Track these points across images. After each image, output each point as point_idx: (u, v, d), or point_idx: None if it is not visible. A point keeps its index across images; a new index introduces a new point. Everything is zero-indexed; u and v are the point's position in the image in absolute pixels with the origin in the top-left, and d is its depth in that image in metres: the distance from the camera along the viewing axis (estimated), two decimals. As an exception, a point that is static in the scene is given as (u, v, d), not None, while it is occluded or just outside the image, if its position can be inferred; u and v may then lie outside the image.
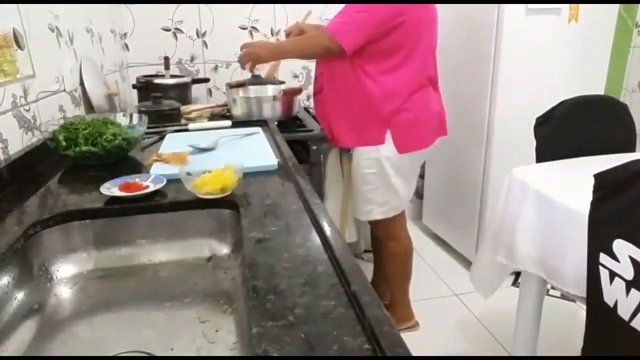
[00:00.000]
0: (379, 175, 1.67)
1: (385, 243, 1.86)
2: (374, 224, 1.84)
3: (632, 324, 0.88)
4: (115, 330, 0.76)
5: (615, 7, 2.15)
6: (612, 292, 0.92)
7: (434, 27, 1.64)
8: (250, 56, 1.62)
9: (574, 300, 1.99)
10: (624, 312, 0.89)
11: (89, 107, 1.59)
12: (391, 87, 1.58)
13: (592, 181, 0.94)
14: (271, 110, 1.81)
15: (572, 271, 1.16)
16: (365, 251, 2.42)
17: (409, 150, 1.64)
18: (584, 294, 1.02)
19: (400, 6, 1.49)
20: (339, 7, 2.41)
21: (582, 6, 2.03)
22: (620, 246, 0.88)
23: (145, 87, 1.98)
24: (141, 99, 2.00)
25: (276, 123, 1.64)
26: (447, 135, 1.78)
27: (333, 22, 1.56)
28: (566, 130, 1.59)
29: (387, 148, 1.63)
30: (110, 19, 2.09)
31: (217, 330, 0.73)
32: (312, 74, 2.53)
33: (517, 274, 2.14)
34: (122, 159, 1.20)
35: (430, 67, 1.66)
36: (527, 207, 1.32)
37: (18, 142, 1.11)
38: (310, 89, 2.56)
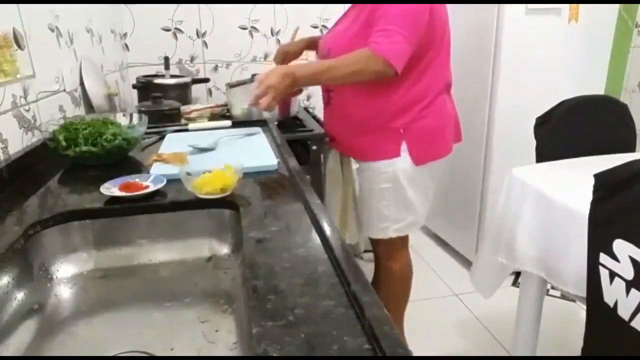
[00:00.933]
0: (395, 190, 1.50)
1: (385, 263, 1.68)
2: (376, 243, 1.65)
3: (632, 324, 0.88)
4: (115, 330, 0.76)
5: (615, 7, 2.15)
6: (612, 292, 0.92)
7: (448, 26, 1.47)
8: (269, 90, 1.21)
9: (574, 300, 1.99)
10: (624, 312, 0.89)
11: (89, 107, 1.59)
12: (407, 98, 1.43)
13: (592, 181, 0.94)
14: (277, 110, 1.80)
15: (572, 271, 1.16)
16: (365, 251, 2.42)
17: (426, 161, 1.48)
18: (584, 294, 1.02)
19: (427, 6, 1.32)
20: (339, 7, 2.43)
21: (582, 6, 2.03)
22: (620, 246, 0.88)
23: (145, 87, 1.98)
24: (141, 99, 2.00)
25: (276, 123, 1.64)
26: (462, 141, 1.66)
27: (383, 41, 1.27)
28: (566, 130, 1.59)
29: (403, 161, 1.46)
30: (110, 19, 2.09)
31: (217, 330, 0.73)
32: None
33: (517, 274, 2.14)
34: (122, 159, 1.20)
35: (449, 70, 1.51)
36: (527, 207, 1.32)
37: (18, 142, 1.11)
38: (310, 89, 2.57)
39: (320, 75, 1.31)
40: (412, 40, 1.29)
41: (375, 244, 1.67)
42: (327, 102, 1.61)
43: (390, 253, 1.65)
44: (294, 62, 1.67)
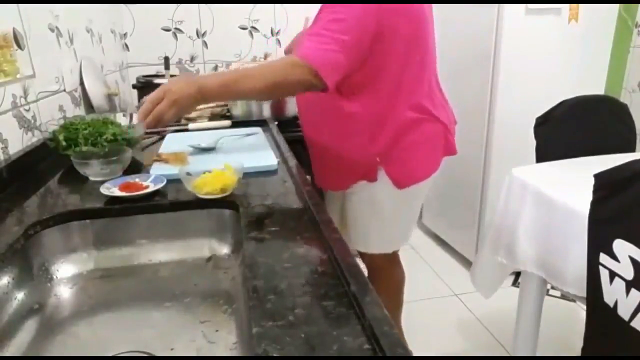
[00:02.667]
0: (375, 213, 1.36)
1: (387, 272, 1.56)
2: (362, 254, 1.49)
3: (632, 324, 0.88)
4: (115, 330, 0.76)
5: (615, 7, 2.15)
6: (612, 292, 0.92)
7: (431, 32, 1.26)
8: (166, 95, 1.01)
9: (574, 300, 1.99)
10: (624, 312, 0.89)
11: (89, 107, 1.59)
12: (372, 122, 1.23)
13: (592, 181, 0.94)
14: (271, 110, 1.81)
15: (572, 271, 1.16)
16: (365, 251, 2.42)
17: (408, 184, 1.31)
18: (584, 294, 1.02)
19: (376, 14, 1.09)
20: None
21: (582, 6, 2.03)
22: (620, 246, 0.88)
23: (145, 87, 1.97)
24: (141, 98, 1.99)
25: (276, 123, 1.64)
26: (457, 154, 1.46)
27: (312, 46, 1.08)
28: (566, 130, 1.59)
29: (382, 185, 1.29)
30: (110, 19, 2.09)
31: (217, 330, 0.73)
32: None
33: (517, 274, 2.14)
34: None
35: (427, 85, 1.29)
36: (527, 207, 1.32)
37: (18, 142, 1.11)
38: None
39: (232, 86, 1.06)
40: (350, 48, 1.07)
41: (370, 257, 1.50)
42: (310, 150, 1.44)
43: (388, 262, 1.54)
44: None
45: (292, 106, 1.91)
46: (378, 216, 1.37)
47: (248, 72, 1.08)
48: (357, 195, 1.37)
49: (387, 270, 1.57)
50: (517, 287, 1.89)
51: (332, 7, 1.10)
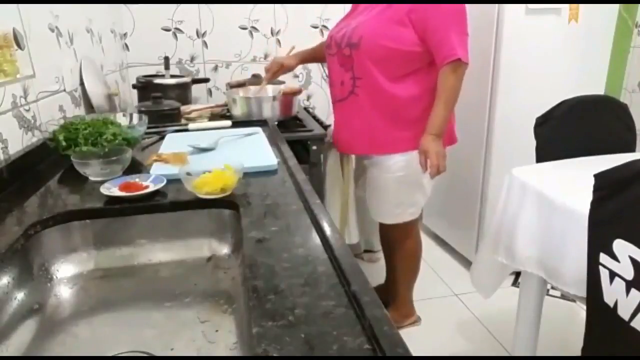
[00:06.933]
0: (410, 177, 1.62)
1: (401, 243, 1.82)
2: (391, 227, 1.78)
3: (632, 324, 0.88)
4: (115, 330, 0.76)
5: (615, 7, 2.15)
6: (612, 292, 0.92)
7: None
8: (440, 158, 1.53)
9: (574, 300, 1.99)
10: (624, 312, 0.89)
11: (89, 107, 1.59)
12: (420, 89, 1.53)
13: (592, 181, 0.94)
14: (271, 110, 1.81)
15: (572, 271, 1.16)
16: (365, 251, 2.42)
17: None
18: (584, 294, 1.02)
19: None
20: (339, 7, 2.43)
21: (582, 6, 2.03)
22: (620, 246, 0.88)
23: (145, 87, 1.98)
24: (141, 99, 2.00)
25: (276, 123, 1.64)
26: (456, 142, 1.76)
27: (453, 46, 1.43)
28: (566, 130, 1.59)
29: (398, 158, 1.61)
30: (110, 19, 2.09)
31: (217, 330, 0.73)
32: (312, 74, 2.55)
33: (517, 274, 2.14)
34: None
35: None
36: (527, 207, 1.32)
37: (18, 142, 1.11)
38: (310, 89, 2.58)
39: (447, 115, 1.52)
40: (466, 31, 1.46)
41: (388, 229, 1.80)
42: (345, 95, 1.61)
43: (404, 234, 1.79)
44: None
45: (294, 106, 1.92)
46: (409, 180, 1.63)
47: (442, 100, 1.49)
48: (393, 162, 1.61)
49: (401, 242, 1.82)
50: (517, 287, 1.89)
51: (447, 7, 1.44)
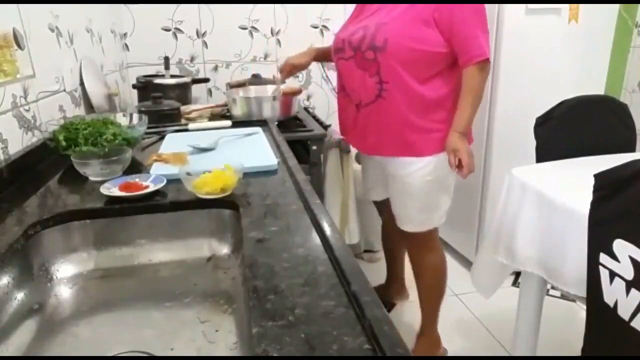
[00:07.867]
0: (437, 180, 1.55)
1: (422, 256, 1.70)
2: (412, 236, 1.66)
3: (632, 324, 0.88)
4: (115, 330, 0.76)
5: (615, 7, 2.15)
6: (612, 292, 0.92)
7: None
8: (470, 157, 1.47)
9: (574, 300, 1.99)
10: (624, 312, 0.89)
11: (89, 107, 1.59)
12: (444, 91, 1.49)
13: (592, 181, 0.94)
14: (271, 110, 1.81)
15: (572, 271, 1.16)
16: (365, 251, 2.42)
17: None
18: (584, 294, 1.02)
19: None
20: (339, 7, 2.43)
21: (582, 6, 2.03)
22: (620, 246, 0.88)
23: (145, 87, 1.98)
24: (141, 99, 2.00)
25: (276, 123, 1.64)
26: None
27: (481, 45, 1.41)
28: (566, 130, 1.59)
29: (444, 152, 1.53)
30: (110, 19, 2.09)
31: (217, 330, 0.73)
32: (312, 75, 2.55)
33: (517, 274, 2.14)
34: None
35: None
36: (527, 207, 1.32)
37: (18, 142, 1.11)
38: (310, 89, 2.58)
39: (474, 114, 1.47)
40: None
41: (411, 239, 1.68)
42: (372, 99, 1.52)
43: (427, 245, 1.69)
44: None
45: (294, 107, 1.92)
46: (439, 184, 1.57)
47: (468, 100, 1.45)
48: (421, 166, 1.54)
49: (436, 250, 1.71)
50: (517, 287, 1.89)
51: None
